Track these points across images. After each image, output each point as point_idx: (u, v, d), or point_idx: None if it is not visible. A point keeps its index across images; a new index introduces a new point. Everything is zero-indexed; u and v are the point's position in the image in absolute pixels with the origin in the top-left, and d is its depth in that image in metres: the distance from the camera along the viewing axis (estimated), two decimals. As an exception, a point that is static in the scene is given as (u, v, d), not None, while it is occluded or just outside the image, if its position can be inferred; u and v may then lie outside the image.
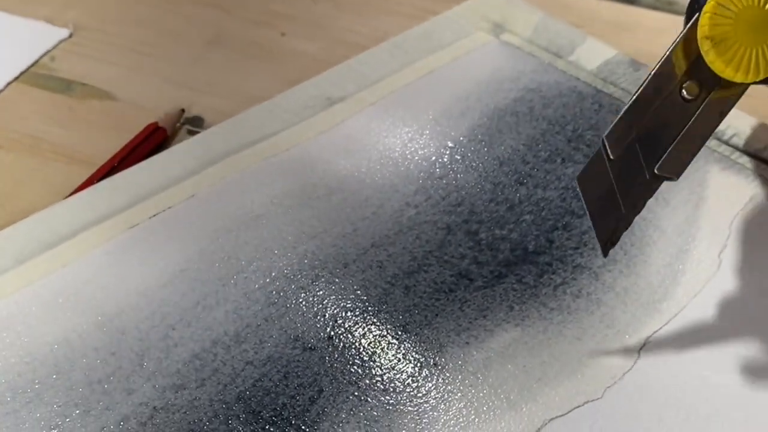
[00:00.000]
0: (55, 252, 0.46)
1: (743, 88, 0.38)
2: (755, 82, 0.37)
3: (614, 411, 0.40)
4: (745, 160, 0.50)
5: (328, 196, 0.49)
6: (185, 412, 0.40)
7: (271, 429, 0.39)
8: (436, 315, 0.44)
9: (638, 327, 0.43)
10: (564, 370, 0.41)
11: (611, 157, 0.40)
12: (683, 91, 0.39)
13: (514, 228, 0.48)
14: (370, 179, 0.50)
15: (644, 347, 0.42)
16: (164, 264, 0.45)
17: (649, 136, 0.39)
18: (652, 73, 0.39)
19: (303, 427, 0.39)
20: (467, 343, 0.42)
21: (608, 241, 0.41)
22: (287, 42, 0.62)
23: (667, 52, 0.39)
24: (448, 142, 0.52)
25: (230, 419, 0.40)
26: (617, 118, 0.40)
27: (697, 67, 0.38)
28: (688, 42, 0.39)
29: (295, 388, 0.41)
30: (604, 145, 0.40)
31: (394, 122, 0.53)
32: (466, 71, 0.57)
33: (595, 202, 0.41)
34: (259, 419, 0.40)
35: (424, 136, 0.52)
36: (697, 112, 0.39)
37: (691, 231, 0.47)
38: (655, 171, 0.39)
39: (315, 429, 0.39)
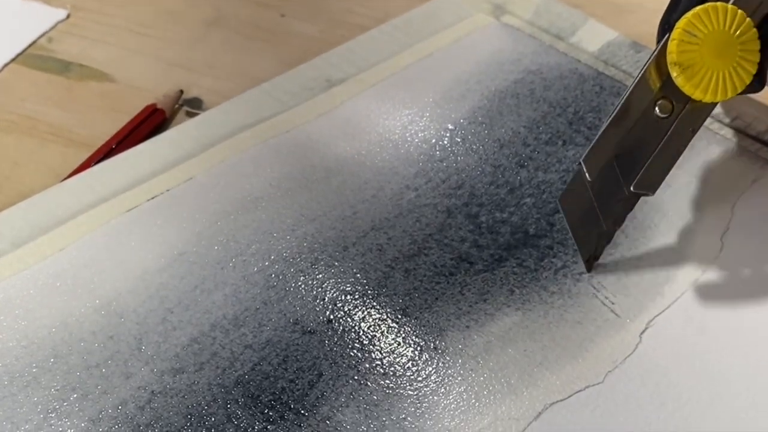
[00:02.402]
0: (53, 235, 0.46)
1: (713, 105, 0.41)
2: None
3: (615, 395, 0.40)
4: (747, 143, 0.50)
5: (328, 178, 0.49)
6: (183, 396, 0.40)
7: (270, 413, 0.39)
8: (436, 299, 0.43)
9: (639, 311, 0.43)
10: (565, 355, 0.41)
11: (589, 179, 0.42)
12: (657, 108, 0.41)
13: (515, 211, 0.47)
14: (370, 162, 0.50)
15: (645, 331, 0.42)
16: (162, 247, 0.45)
17: (626, 155, 0.42)
18: (628, 93, 0.41)
19: (302, 411, 0.39)
20: (467, 327, 0.42)
21: (591, 256, 0.44)
22: (287, 23, 0.62)
23: (641, 73, 0.41)
24: (449, 125, 0.52)
25: (229, 403, 0.40)
26: (594, 142, 0.42)
27: (669, 85, 0.41)
28: (660, 62, 0.41)
29: (295, 372, 0.41)
30: (582, 168, 0.42)
31: (394, 104, 0.53)
32: (466, 53, 0.56)
33: (576, 220, 0.44)
34: (258, 403, 0.40)
35: (425, 119, 0.52)
36: (671, 129, 0.41)
37: (693, 214, 0.46)
38: (632, 188, 0.42)
39: (314, 413, 0.39)
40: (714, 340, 0.42)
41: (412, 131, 0.52)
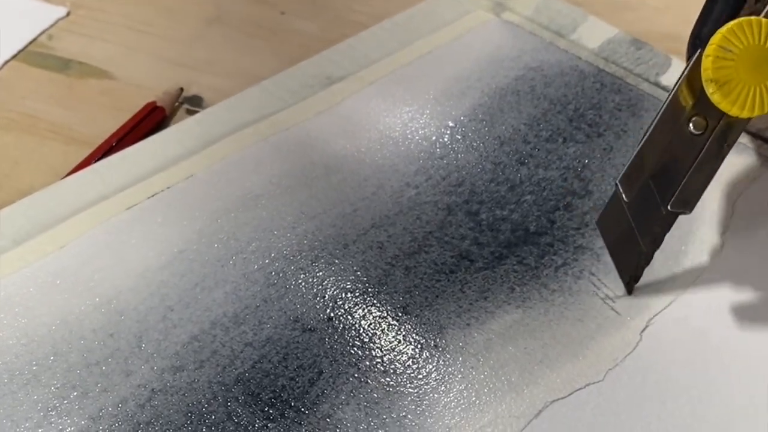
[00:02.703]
0: (53, 233, 0.46)
1: (748, 119, 0.40)
2: None
3: (616, 393, 0.40)
4: (748, 140, 0.50)
5: (328, 176, 0.49)
6: (184, 394, 0.40)
7: (271, 411, 0.39)
8: (437, 296, 0.43)
9: (640, 309, 0.43)
10: (565, 352, 0.41)
11: (626, 200, 0.42)
12: (691, 125, 0.40)
13: (515, 208, 0.47)
14: (370, 159, 0.50)
15: (646, 329, 0.42)
16: (163, 245, 0.45)
17: (661, 174, 0.41)
18: (661, 111, 0.41)
19: (302, 409, 0.39)
20: (468, 324, 0.42)
21: (631, 278, 0.43)
22: (287, 21, 0.62)
23: (673, 90, 0.41)
24: (449, 122, 0.52)
25: (229, 401, 0.39)
26: (629, 162, 0.42)
27: (702, 102, 0.40)
28: (692, 78, 0.40)
29: (295, 369, 0.41)
30: (618, 189, 0.42)
31: (395, 102, 0.53)
32: (466, 50, 0.56)
33: (615, 242, 0.44)
34: (258, 401, 0.40)
35: (425, 116, 0.52)
36: (705, 146, 0.40)
37: (694, 211, 0.46)
38: (669, 207, 0.41)
39: (314, 411, 0.39)
40: (715, 338, 0.42)
41: (413, 128, 0.51)
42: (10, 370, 0.40)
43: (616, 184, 0.42)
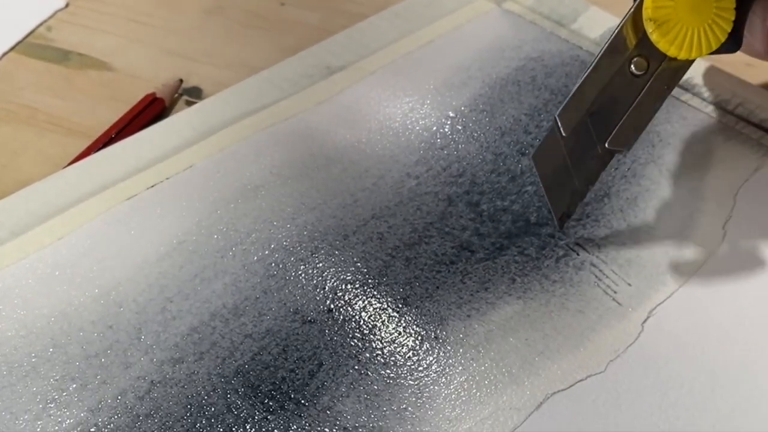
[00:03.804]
0: (52, 224, 0.46)
1: (689, 62, 0.41)
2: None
3: (617, 385, 0.40)
4: (750, 131, 0.50)
5: (328, 166, 0.49)
6: (183, 386, 0.40)
7: (270, 403, 0.39)
8: (437, 287, 0.43)
9: (641, 299, 0.43)
10: (566, 344, 0.41)
11: (564, 134, 0.42)
12: (632, 66, 0.41)
13: (516, 199, 0.47)
14: (371, 150, 0.50)
15: (647, 320, 0.42)
16: (162, 236, 0.45)
17: (600, 112, 0.42)
18: (603, 49, 0.41)
19: (302, 401, 0.39)
20: (468, 316, 0.42)
21: (564, 214, 0.44)
22: (286, 11, 0.62)
23: (616, 29, 0.41)
24: (450, 112, 0.52)
25: (229, 393, 0.39)
26: (569, 96, 0.42)
27: (644, 43, 0.40)
28: (636, 18, 0.41)
29: (295, 361, 0.41)
30: (557, 123, 0.42)
31: (395, 92, 0.53)
32: (467, 40, 0.56)
33: (549, 177, 0.44)
34: (257, 393, 0.39)
35: (425, 106, 0.52)
36: (646, 87, 0.41)
37: (695, 202, 0.46)
38: (606, 145, 0.42)
39: (314, 403, 0.39)
40: (716, 329, 0.42)
41: (413, 119, 0.51)
42: (8, 362, 0.40)
43: (555, 118, 0.42)
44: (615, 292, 0.43)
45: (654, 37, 0.39)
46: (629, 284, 0.43)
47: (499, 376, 0.40)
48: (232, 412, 0.39)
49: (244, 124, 0.51)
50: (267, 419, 0.39)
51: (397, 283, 0.43)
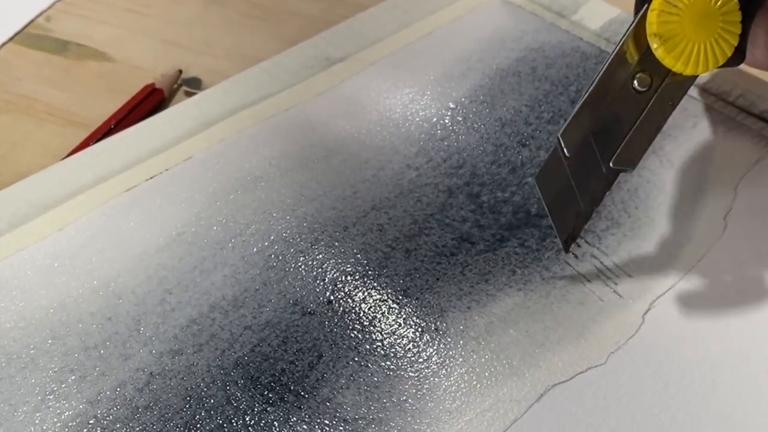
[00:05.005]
0: (51, 215, 0.46)
1: (693, 78, 0.40)
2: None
3: (618, 376, 0.40)
4: (751, 122, 0.50)
5: (328, 158, 0.48)
6: (182, 378, 0.40)
7: (270, 395, 0.39)
8: (438, 279, 0.43)
9: (642, 291, 0.43)
10: (567, 336, 0.41)
11: (567, 154, 0.41)
12: (635, 82, 0.40)
13: (517, 191, 0.47)
14: (371, 141, 0.50)
15: (648, 312, 0.42)
16: (161, 227, 0.45)
17: (604, 130, 0.41)
18: (605, 66, 0.40)
19: (302, 393, 0.39)
20: (469, 307, 0.42)
21: (569, 237, 0.43)
22: (286, 2, 0.62)
23: (618, 46, 0.40)
24: (450, 103, 0.51)
25: (228, 385, 0.39)
26: (571, 116, 0.41)
27: (647, 58, 0.39)
28: (638, 34, 0.40)
29: (294, 353, 0.40)
30: (560, 143, 0.41)
31: (395, 83, 0.53)
32: (467, 31, 0.56)
33: (553, 199, 0.42)
34: (257, 385, 0.39)
35: (425, 97, 0.52)
36: (650, 103, 0.40)
37: (696, 194, 0.46)
38: (611, 164, 0.40)
39: (314, 395, 0.39)
40: (717, 320, 0.42)
41: (413, 110, 0.51)
42: (7, 354, 0.40)
43: (558, 139, 0.41)
44: (616, 284, 0.43)
45: (659, 53, 0.38)
46: (630, 276, 0.43)
47: (499, 368, 0.40)
48: (232, 403, 0.39)
49: (244, 116, 0.51)
50: (266, 411, 0.39)
51: (397, 275, 0.43)
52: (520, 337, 0.41)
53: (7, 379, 0.39)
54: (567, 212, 0.42)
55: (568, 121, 0.41)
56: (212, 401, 0.39)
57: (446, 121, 0.50)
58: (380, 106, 0.51)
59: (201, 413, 0.38)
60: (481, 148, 0.49)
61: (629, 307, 0.42)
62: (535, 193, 0.47)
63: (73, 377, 0.40)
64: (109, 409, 0.39)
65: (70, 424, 0.38)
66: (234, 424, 0.38)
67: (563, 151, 0.41)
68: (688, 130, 0.49)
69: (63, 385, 0.39)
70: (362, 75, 0.53)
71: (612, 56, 0.40)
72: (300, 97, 0.52)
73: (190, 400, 0.39)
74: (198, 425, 0.38)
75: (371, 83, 0.53)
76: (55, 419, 0.38)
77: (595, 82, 0.41)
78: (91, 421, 0.38)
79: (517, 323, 0.41)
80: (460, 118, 0.51)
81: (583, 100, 0.41)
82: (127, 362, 0.40)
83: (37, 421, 0.38)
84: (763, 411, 0.39)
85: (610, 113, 0.40)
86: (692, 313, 0.42)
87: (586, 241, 0.45)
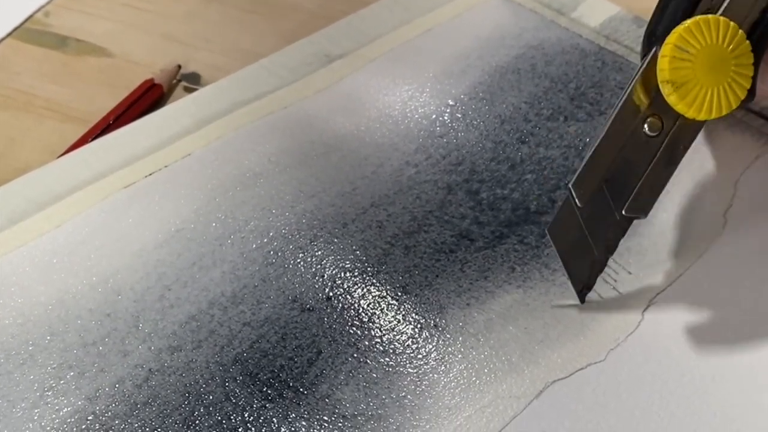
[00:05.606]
0: (49, 212, 0.46)
1: (704, 121, 0.39)
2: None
3: (617, 373, 0.39)
4: (750, 118, 0.50)
5: (327, 154, 0.48)
6: (181, 374, 0.39)
7: (269, 391, 0.39)
8: (437, 276, 0.43)
9: (642, 288, 0.43)
10: (566, 332, 0.41)
11: (579, 204, 0.40)
12: (645, 127, 0.39)
13: (516, 187, 0.47)
14: (370, 138, 0.50)
15: (648, 309, 0.42)
16: (160, 224, 0.45)
17: (616, 178, 0.40)
18: (615, 113, 0.40)
19: (301, 389, 0.39)
20: (468, 304, 0.42)
21: (584, 287, 0.42)
22: (285, -2, 0.62)
23: (627, 91, 0.40)
24: (449, 100, 0.51)
25: (227, 381, 0.39)
26: (582, 166, 0.40)
27: (658, 103, 0.39)
28: (647, 79, 0.39)
29: (293, 349, 0.40)
30: (572, 194, 0.40)
31: (394, 80, 0.53)
32: (467, 28, 0.56)
33: (567, 250, 0.42)
34: (256, 381, 0.39)
35: (425, 94, 0.52)
36: (661, 148, 0.40)
37: (695, 190, 0.46)
38: (624, 212, 0.40)
39: (313, 391, 0.39)
40: (717, 317, 0.42)
41: (413, 107, 0.51)
42: (6, 350, 0.40)
43: (569, 188, 0.40)
44: (615, 281, 0.43)
45: (672, 99, 0.37)
46: (629, 273, 0.43)
47: (498, 365, 0.40)
48: (231, 400, 0.39)
49: (243, 113, 0.51)
50: (265, 407, 0.38)
51: (397, 272, 0.43)
52: (519, 334, 0.41)
53: (5, 376, 0.39)
54: (581, 262, 0.42)
55: (579, 171, 0.40)
56: (211, 397, 0.39)
57: (445, 118, 0.50)
58: (380, 103, 0.51)
59: (200, 409, 0.38)
60: (481, 145, 0.49)
61: (629, 303, 0.42)
62: (535, 190, 0.47)
63: (72, 373, 0.39)
64: (108, 406, 0.38)
65: (69, 420, 0.38)
66: (233, 420, 0.38)
67: (575, 201, 0.40)
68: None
69: (62, 382, 0.39)
70: (361, 72, 0.53)
71: (620, 103, 0.40)
72: (299, 94, 0.52)
73: (188, 397, 0.39)
74: (197, 421, 0.38)
75: (371, 80, 0.53)
76: (54, 415, 0.38)
77: (605, 130, 0.40)
78: (89, 418, 0.38)
79: (516, 320, 0.41)
80: (459, 115, 0.51)
81: (594, 148, 0.40)
82: (125, 358, 0.40)
83: (35, 418, 0.38)
84: (762, 408, 0.39)
85: (621, 160, 0.40)
86: (692, 310, 0.42)
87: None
